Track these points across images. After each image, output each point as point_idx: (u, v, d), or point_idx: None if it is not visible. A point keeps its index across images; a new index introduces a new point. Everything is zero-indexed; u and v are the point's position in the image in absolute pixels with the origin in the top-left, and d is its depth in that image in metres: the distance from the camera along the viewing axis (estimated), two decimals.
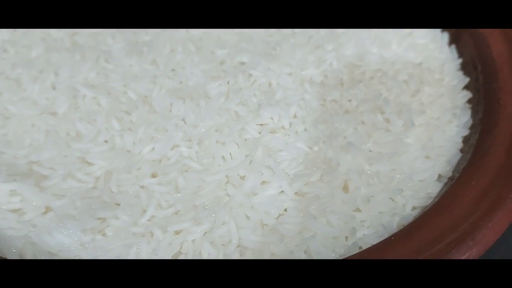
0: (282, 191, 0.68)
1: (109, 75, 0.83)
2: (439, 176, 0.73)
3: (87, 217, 0.63)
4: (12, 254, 0.59)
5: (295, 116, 0.79)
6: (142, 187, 0.68)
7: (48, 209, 0.65)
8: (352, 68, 0.88)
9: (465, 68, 0.90)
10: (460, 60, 0.91)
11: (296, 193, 0.69)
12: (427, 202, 0.68)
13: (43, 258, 0.60)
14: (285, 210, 0.67)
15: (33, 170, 0.69)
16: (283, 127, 0.77)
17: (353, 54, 0.91)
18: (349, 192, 0.69)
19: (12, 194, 0.64)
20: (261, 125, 0.78)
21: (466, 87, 0.86)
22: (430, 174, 0.72)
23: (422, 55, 0.92)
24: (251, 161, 0.71)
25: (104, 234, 0.63)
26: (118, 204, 0.66)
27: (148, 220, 0.64)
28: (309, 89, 0.83)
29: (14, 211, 0.63)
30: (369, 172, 0.72)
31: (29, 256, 0.59)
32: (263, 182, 0.69)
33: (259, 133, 0.76)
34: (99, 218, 0.63)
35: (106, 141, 0.74)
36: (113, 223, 0.63)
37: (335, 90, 0.83)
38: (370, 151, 0.76)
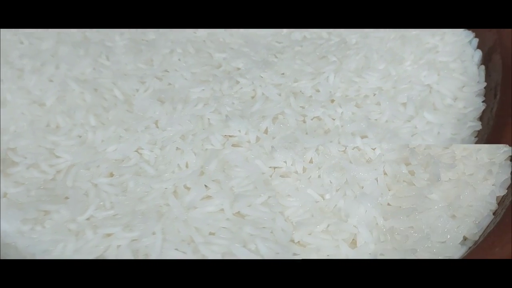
0: (222, 209, 0.66)
1: (102, 71, 0.85)
2: (465, 239, 0.64)
3: (31, 207, 0.66)
4: None
5: (265, 131, 0.75)
6: (94, 185, 0.70)
7: (5, 195, 0.69)
8: (349, 84, 0.80)
9: (487, 94, 0.78)
10: (484, 84, 0.79)
11: (237, 213, 0.66)
12: None
13: None
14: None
15: (8, 156, 0.74)
16: (248, 141, 0.74)
17: (356, 68, 0.83)
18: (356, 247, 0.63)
19: None
20: (229, 136, 0.75)
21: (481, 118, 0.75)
22: (454, 236, 0.63)
23: (438, 76, 0.81)
24: (202, 172, 0.70)
25: (44, 226, 0.66)
26: (68, 198, 0.69)
27: (86, 219, 0.66)
28: (293, 103, 0.78)
29: None
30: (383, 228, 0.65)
31: None
32: (208, 197, 0.67)
33: (223, 145, 0.73)
34: (44, 210, 0.66)
35: (79, 136, 0.77)
36: (54, 217, 0.66)
37: (320, 106, 0.77)
38: (389, 204, 0.68)
